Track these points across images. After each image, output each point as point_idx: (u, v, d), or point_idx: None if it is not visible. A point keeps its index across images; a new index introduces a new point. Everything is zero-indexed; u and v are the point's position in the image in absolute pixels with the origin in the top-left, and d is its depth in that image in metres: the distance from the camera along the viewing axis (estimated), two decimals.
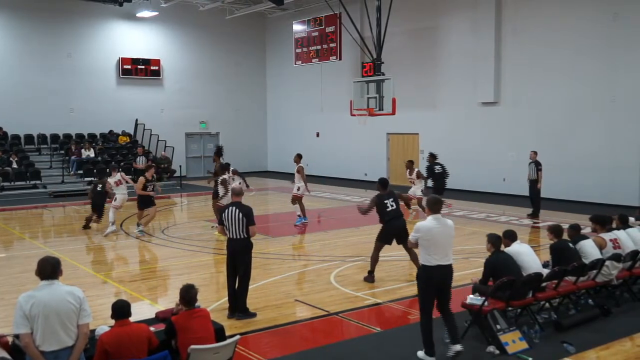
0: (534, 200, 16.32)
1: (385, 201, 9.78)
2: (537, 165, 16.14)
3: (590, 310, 8.08)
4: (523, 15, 19.83)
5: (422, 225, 6.55)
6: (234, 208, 8.01)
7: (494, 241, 7.45)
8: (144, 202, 14.24)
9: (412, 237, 6.69)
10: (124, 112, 26.92)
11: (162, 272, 11.12)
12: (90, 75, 26.23)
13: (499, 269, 7.20)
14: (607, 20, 17.64)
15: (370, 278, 9.90)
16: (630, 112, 17.34)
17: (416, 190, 16.27)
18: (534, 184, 16.19)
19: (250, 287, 9.73)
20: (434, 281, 6.47)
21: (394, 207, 9.78)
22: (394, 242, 9.85)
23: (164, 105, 28.21)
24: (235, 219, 7.94)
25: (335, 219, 16.91)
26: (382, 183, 10.13)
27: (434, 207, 6.62)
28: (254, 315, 8.16)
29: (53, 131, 25.46)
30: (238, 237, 8.00)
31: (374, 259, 9.95)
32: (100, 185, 14.80)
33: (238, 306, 8.11)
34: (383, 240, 9.87)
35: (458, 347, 6.53)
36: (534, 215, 16.19)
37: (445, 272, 6.49)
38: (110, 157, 24.56)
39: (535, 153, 16.36)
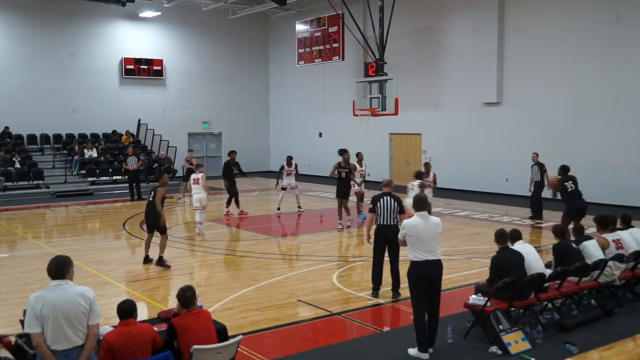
0: (537, 203, 15.73)
1: (566, 183, 11.78)
2: (541, 167, 15.77)
3: (593, 311, 8.05)
4: (525, 15, 19.81)
5: (407, 223, 6.92)
6: (388, 197, 8.68)
7: (498, 237, 7.39)
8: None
9: (400, 234, 7.04)
10: (127, 112, 26.97)
11: (164, 272, 11.11)
12: (93, 76, 26.29)
13: (504, 267, 7.15)
14: (610, 21, 17.61)
15: None
16: (634, 112, 17.31)
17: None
18: (538, 186, 15.68)
19: (252, 286, 9.73)
20: (423, 276, 6.69)
21: (574, 188, 11.75)
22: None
23: (166, 105, 28.27)
24: (391, 208, 8.63)
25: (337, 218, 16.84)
26: (564, 169, 12.10)
27: (418, 206, 6.94)
28: (399, 294, 8.89)
29: (56, 131, 25.53)
30: (391, 223, 8.64)
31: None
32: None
33: (394, 285, 8.96)
34: (571, 216, 11.56)
35: (425, 357, 6.62)
36: (537, 217, 15.65)
37: (433, 267, 6.74)
38: (112, 157, 24.60)
39: (537, 155, 16.03)
